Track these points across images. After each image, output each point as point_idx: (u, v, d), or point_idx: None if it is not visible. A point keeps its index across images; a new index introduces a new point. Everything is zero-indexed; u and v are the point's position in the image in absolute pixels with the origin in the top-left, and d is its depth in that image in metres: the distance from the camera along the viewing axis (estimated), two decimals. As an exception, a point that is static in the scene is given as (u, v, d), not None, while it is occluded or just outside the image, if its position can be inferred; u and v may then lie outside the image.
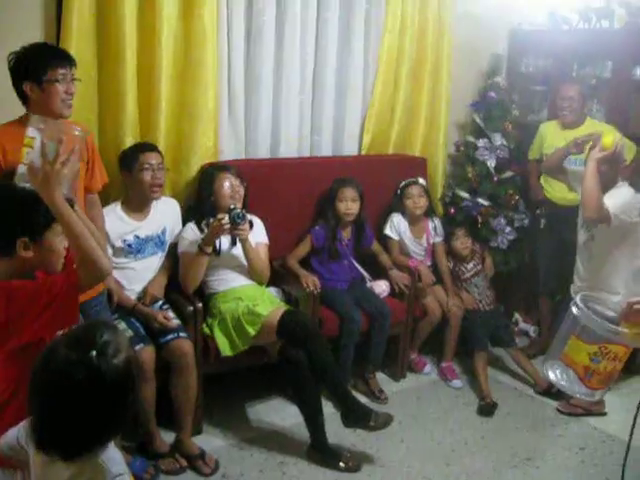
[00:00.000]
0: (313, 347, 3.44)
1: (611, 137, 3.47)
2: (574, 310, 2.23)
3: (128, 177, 3.52)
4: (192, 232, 3.70)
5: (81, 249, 2.08)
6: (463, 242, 4.49)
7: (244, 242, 3.65)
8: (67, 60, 2.82)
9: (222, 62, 3.95)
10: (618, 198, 3.53)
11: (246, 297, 3.64)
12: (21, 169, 2.33)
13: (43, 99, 2.77)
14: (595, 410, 4.01)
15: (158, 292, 3.58)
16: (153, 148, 3.58)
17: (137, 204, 3.56)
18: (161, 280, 3.63)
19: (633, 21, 4.63)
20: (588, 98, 4.62)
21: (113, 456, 1.69)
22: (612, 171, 3.59)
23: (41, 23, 3.46)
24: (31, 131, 2.34)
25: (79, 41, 3.46)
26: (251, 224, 3.69)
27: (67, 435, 1.60)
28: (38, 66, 2.75)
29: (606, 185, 3.59)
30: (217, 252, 3.65)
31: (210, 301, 3.72)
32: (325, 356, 3.48)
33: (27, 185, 2.19)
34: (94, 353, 1.59)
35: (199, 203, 3.82)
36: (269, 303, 3.65)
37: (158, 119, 3.77)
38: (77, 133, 2.32)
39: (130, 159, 3.50)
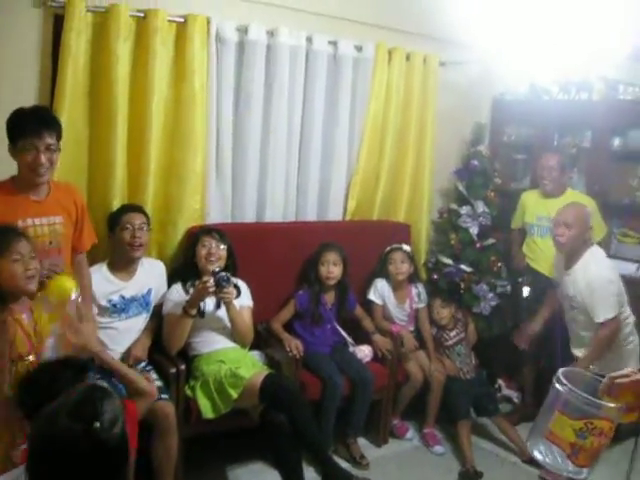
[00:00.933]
0: (295, 411, 3.43)
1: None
2: (557, 385, 2.24)
3: (112, 237, 3.58)
4: (177, 294, 3.72)
5: (125, 380, 2.92)
6: (440, 312, 4.50)
7: (228, 305, 3.67)
8: (43, 129, 2.85)
9: (211, 127, 4.02)
10: (600, 265, 3.79)
11: (228, 360, 3.64)
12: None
13: (18, 164, 2.88)
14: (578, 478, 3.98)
15: (141, 353, 3.58)
16: (137, 209, 3.64)
17: (122, 264, 3.59)
18: (145, 341, 3.64)
19: (611, 94, 4.78)
20: (568, 167, 4.72)
21: None
22: (579, 236, 3.79)
23: (35, 86, 3.55)
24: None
25: (72, 103, 3.54)
26: (237, 289, 3.72)
27: None
28: (13, 132, 2.85)
29: (573, 251, 3.77)
30: (202, 314, 3.66)
31: (193, 363, 3.71)
32: (307, 420, 3.47)
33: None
34: (98, 425, 1.59)
35: (184, 265, 3.85)
36: (251, 366, 3.65)
37: (146, 181, 3.83)
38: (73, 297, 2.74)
39: (114, 220, 3.57)
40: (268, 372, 3.59)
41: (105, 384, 3.21)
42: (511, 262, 4.95)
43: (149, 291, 3.67)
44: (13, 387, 2.46)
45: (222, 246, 3.78)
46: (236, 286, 3.70)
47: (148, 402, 3.00)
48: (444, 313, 4.49)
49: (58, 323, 2.54)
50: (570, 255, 3.86)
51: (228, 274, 3.58)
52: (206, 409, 3.53)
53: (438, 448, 4.31)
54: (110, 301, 3.52)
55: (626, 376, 1.91)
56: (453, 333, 4.49)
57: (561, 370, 2.28)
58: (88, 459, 1.58)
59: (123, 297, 3.56)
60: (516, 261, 4.89)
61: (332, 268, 4.16)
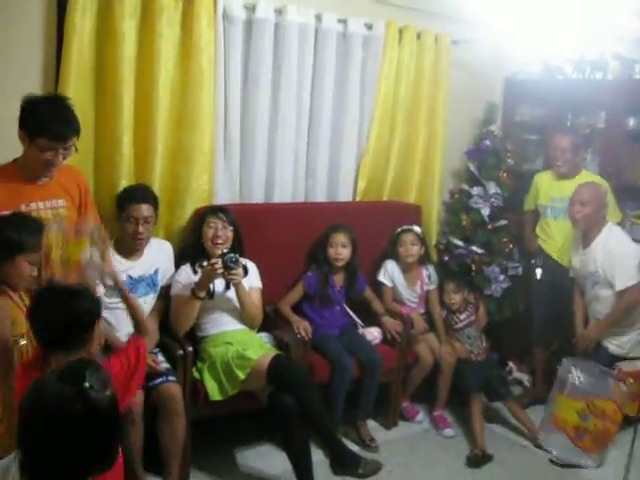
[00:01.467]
0: (303, 393, 3.41)
1: None
2: (563, 371, 2.22)
3: (120, 219, 3.53)
4: (185, 275, 3.70)
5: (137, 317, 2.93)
6: (452, 297, 4.43)
7: (237, 286, 3.64)
8: (69, 135, 2.84)
9: (219, 107, 3.98)
10: (621, 240, 3.87)
11: (236, 341, 3.63)
12: None
13: (28, 153, 2.85)
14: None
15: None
16: (145, 199, 3.53)
17: (128, 247, 3.56)
18: (152, 322, 3.61)
19: (626, 73, 4.69)
20: (582, 148, 4.65)
21: None
22: (597, 215, 3.86)
23: (41, 65, 3.50)
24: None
25: (77, 84, 3.49)
26: (245, 270, 3.70)
27: (60, 467, 1.59)
28: (37, 126, 2.79)
29: (589, 228, 3.84)
30: (211, 295, 3.64)
31: (200, 344, 3.70)
32: (315, 402, 3.45)
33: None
34: (87, 385, 1.62)
35: (191, 246, 3.83)
36: (259, 348, 3.62)
37: (154, 162, 3.79)
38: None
39: (121, 205, 3.51)
40: (276, 354, 3.57)
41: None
42: (523, 244, 4.89)
43: (156, 271, 3.64)
44: None
45: (229, 227, 3.75)
46: (244, 267, 3.67)
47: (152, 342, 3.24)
48: (456, 298, 4.43)
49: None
50: (587, 233, 3.90)
51: (236, 255, 3.56)
52: (213, 391, 3.51)
53: (448, 431, 4.29)
54: None
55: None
56: (463, 316, 4.44)
57: (569, 360, 2.26)
58: (81, 422, 1.58)
59: (130, 277, 3.52)
60: (528, 243, 4.83)
61: (341, 250, 4.13)
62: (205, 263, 3.63)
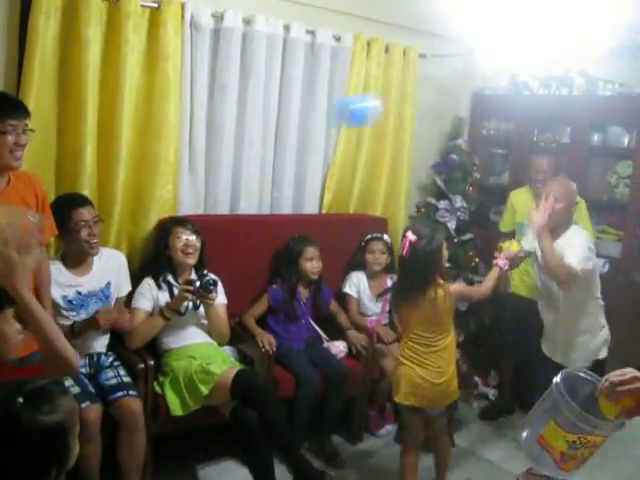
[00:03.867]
0: (266, 408, 3.36)
1: (508, 244, 3.73)
2: (555, 392, 2.17)
3: (64, 234, 3.32)
4: (148, 287, 3.64)
5: (44, 338, 2.02)
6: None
7: (209, 307, 3.61)
8: (18, 111, 2.78)
9: (184, 116, 3.93)
10: (578, 238, 3.68)
11: (199, 355, 3.57)
12: None
13: None
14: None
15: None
16: (85, 202, 3.41)
17: (77, 259, 3.43)
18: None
19: (591, 89, 4.74)
20: (561, 168, 4.65)
21: None
22: (567, 212, 3.74)
23: (2, 69, 3.43)
24: None
25: (39, 89, 3.42)
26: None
27: None
28: None
29: (557, 224, 3.71)
30: (182, 313, 3.60)
31: (162, 358, 3.63)
32: (278, 418, 3.40)
33: None
34: (20, 400, 1.53)
35: (156, 257, 3.76)
36: (222, 362, 3.57)
37: (117, 171, 3.72)
38: (31, 219, 2.24)
39: (63, 215, 3.28)
40: (240, 368, 3.52)
41: (70, 379, 3.16)
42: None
43: (108, 284, 3.53)
44: None
45: (196, 237, 3.70)
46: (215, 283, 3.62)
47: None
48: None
49: None
50: (554, 229, 3.78)
51: (214, 278, 3.54)
52: (175, 406, 3.45)
53: (382, 431, 4.36)
54: (65, 297, 3.34)
55: (625, 380, 1.84)
56: None
57: (562, 373, 2.20)
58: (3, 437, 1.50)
59: (79, 293, 3.40)
60: (502, 282, 4.79)
61: (317, 263, 4.12)
62: (170, 280, 3.60)
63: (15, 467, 1.52)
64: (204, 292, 3.50)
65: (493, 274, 3.58)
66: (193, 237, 3.68)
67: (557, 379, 2.22)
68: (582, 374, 2.25)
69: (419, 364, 3.29)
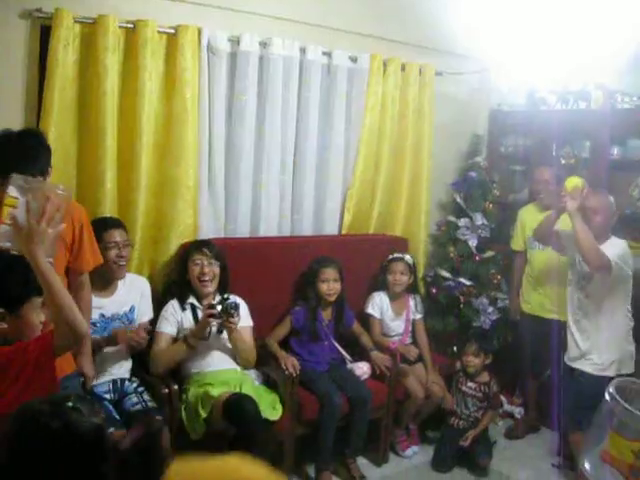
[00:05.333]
0: (249, 426, 3.30)
1: (573, 180, 3.70)
2: (609, 401, 2.12)
3: None
4: (172, 310, 3.64)
5: (58, 307, 2.06)
6: (470, 360, 4.34)
7: (232, 332, 3.60)
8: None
9: (203, 141, 3.94)
10: (616, 248, 3.63)
11: (218, 382, 3.55)
12: (2, 229, 2.23)
13: None
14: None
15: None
16: (117, 224, 3.47)
17: (102, 282, 3.43)
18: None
19: (609, 103, 4.70)
20: (563, 179, 4.63)
21: None
22: (605, 223, 3.71)
23: (22, 99, 3.46)
24: (12, 190, 2.27)
25: (59, 117, 3.45)
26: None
27: None
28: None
29: (598, 237, 3.66)
30: (206, 338, 3.59)
31: (183, 384, 3.63)
32: (258, 438, 3.30)
33: (8, 244, 2.16)
34: (70, 404, 1.55)
35: (177, 282, 3.77)
36: (232, 387, 3.55)
37: (137, 197, 3.74)
38: (60, 192, 2.25)
39: (95, 237, 3.24)
40: (234, 392, 3.47)
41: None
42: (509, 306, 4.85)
43: (132, 308, 3.55)
44: None
45: (215, 262, 3.69)
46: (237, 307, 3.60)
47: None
48: (475, 361, 4.34)
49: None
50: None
51: (236, 301, 3.53)
52: (190, 430, 3.46)
53: (408, 451, 4.33)
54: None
55: None
56: (472, 385, 4.37)
57: (614, 382, 2.16)
58: (59, 443, 1.50)
59: (103, 315, 3.42)
60: (513, 307, 4.78)
61: (332, 284, 4.07)
62: (194, 302, 3.63)
63: (71, 471, 1.52)
64: (226, 316, 3.49)
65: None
66: (209, 263, 3.68)
67: (610, 389, 2.17)
68: (636, 383, 2.21)
69: None
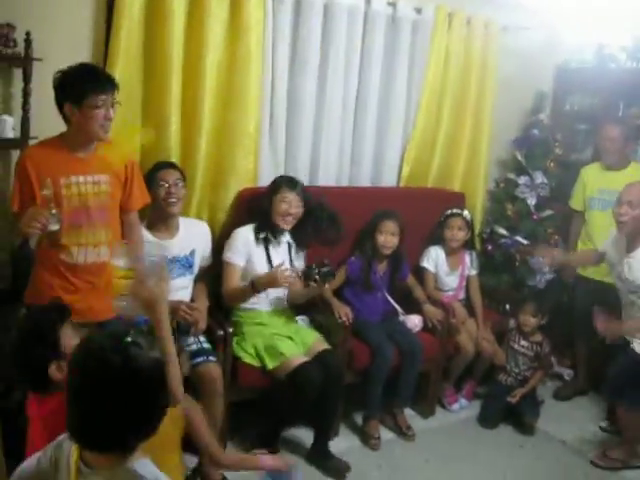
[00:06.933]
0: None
1: None
2: None
3: (151, 194, 3.41)
4: (245, 240, 3.68)
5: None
6: (527, 320, 4.31)
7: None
8: (109, 85, 2.84)
9: (265, 88, 3.96)
10: None
11: (271, 324, 3.65)
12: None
13: (82, 122, 2.81)
14: (633, 462, 3.88)
15: (204, 324, 3.50)
16: (170, 165, 3.54)
17: (162, 224, 3.50)
18: (203, 310, 3.54)
19: (682, 62, 4.57)
20: (632, 139, 4.54)
21: (145, 464, 1.69)
22: None
23: (90, 43, 3.51)
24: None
25: (125, 63, 3.48)
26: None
27: (102, 424, 1.59)
28: (79, 90, 2.77)
29: (636, 232, 3.61)
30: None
31: (232, 315, 3.70)
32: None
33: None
34: (129, 340, 1.62)
35: (261, 211, 3.76)
36: (291, 338, 3.62)
37: (199, 142, 3.78)
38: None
39: (149, 179, 3.42)
40: (305, 360, 3.49)
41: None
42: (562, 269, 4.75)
43: (192, 252, 3.60)
44: None
45: (301, 204, 3.72)
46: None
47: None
48: (531, 321, 4.32)
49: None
50: (633, 237, 3.64)
51: (333, 269, 3.57)
52: (253, 361, 3.54)
53: (455, 406, 4.39)
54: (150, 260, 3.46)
55: None
56: (525, 343, 4.36)
57: None
58: (119, 376, 1.57)
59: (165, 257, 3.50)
60: (567, 272, 4.71)
61: (389, 238, 4.07)
62: (269, 236, 3.68)
63: (135, 404, 1.60)
64: (320, 283, 3.51)
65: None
66: (297, 205, 3.71)
67: None
68: None
69: None
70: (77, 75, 2.81)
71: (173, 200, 3.45)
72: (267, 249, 3.71)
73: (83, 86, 2.78)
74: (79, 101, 2.78)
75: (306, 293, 3.69)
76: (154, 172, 3.47)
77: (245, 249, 3.66)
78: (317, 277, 3.47)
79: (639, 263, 3.60)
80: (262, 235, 3.70)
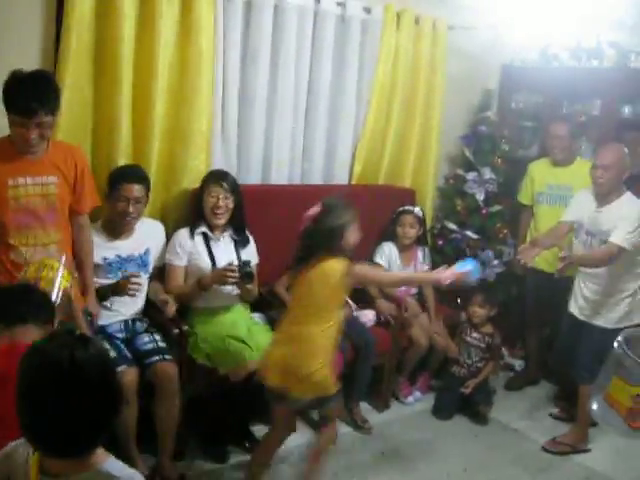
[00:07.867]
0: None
1: None
2: (616, 348, 2.21)
3: (110, 197, 3.45)
4: (181, 241, 3.70)
5: None
6: (475, 311, 4.42)
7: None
8: (31, 110, 2.75)
9: (217, 87, 3.98)
10: (634, 205, 3.71)
11: (227, 322, 3.67)
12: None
13: (10, 129, 2.84)
14: (581, 447, 4.01)
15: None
16: (137, 179, 3.46)
17: (117, 226, 3.51)
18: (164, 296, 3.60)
19: (622, 61, 4.70)
20: (577, 136, 4.66)
21: (114, 463, 1.67)
22: (619, 178, 3.74)
23: (39, 44, 3.47)
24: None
25: (76, 62, 3.47)
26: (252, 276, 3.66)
27: (55, 428, 1.54)
28: (6, 103, 2.78)
29: (610, 191, 3.73)
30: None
31: (187, 316, 3.69)
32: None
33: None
34: (76, 335, 1.68)
35: (193, 209, 3.81)
36: (247, 336, 3.63)
37: (151, 142, 3.79)
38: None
39: (113, 184, 3.42)
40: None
41: (106, 343, 3.27)
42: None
43: (147, 251, 3.61)
44: None
45: (230, 197, 3.72)
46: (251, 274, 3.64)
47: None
48: (480, 312, 4.43)
49: None
50: (604, 196, 3.80)
51: (252, 270, 3.62)
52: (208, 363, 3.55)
53: (410, 399, 4.46)
54: (105, 259, 3.44)
55: None
56: (476, 335, 4.45)
57: (624, 332, 2.24)
58: (69, 374, 1.54)
59: (119, 256, 3.49)
60: (519, 263, 4.78)
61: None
62: (206, 231, 3.70)
63: (86, 403, 1.56)
64: (242, 282, 3.57)
65: (419, 277, 4.09)
66: (225, 197, 3.70)
67: (619, 338, 2.26)
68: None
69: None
70: (13, 85, 2.79)
71: (129, 219, 3.46)
72: (208, 245, 3.73)
73: (9, 99, 2.77)
74: (6, 110, 2.79)
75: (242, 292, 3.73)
76: (119, 181, 3.42)
77: (183, 249, 3.68)
78: (238, 277, 3.53)
79: (610, 215, 3.72)
80: (199, 232, 3.72)
